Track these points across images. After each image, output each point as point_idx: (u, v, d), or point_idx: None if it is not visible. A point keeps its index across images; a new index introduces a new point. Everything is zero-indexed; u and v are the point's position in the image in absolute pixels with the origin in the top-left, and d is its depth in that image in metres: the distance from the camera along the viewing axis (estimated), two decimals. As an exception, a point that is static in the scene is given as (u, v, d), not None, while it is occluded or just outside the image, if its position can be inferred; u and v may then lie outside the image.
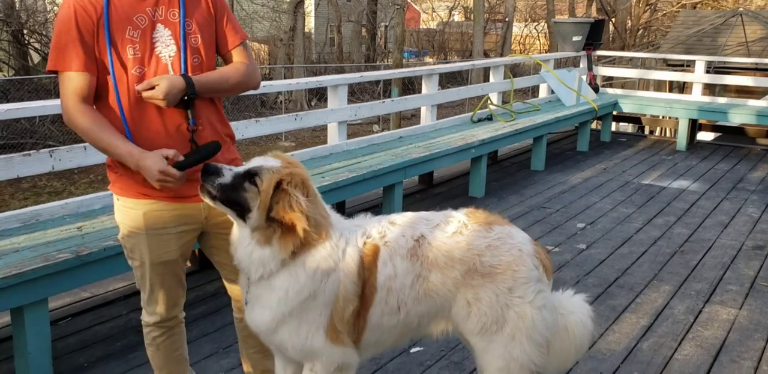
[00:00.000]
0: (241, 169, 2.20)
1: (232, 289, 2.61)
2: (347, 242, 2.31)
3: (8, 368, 3.21)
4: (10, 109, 3.41)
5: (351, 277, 2.28)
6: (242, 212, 2.18)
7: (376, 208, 5.96)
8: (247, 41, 2.48)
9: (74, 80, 2.19)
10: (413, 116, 20.09)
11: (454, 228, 2.41)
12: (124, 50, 2.21)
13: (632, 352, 3.57)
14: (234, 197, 2.16)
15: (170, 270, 2.45)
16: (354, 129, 17.85)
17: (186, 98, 2.23)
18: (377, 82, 22.78)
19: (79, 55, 2.17)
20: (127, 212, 2.37)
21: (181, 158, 2.20)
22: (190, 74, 2.26)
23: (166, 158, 2.16)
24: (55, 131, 15.13)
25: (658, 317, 4.01)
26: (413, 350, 3.48)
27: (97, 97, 2.26)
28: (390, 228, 2.38)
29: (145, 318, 2.54)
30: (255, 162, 2.24)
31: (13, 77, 17.07)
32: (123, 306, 3.98)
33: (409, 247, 2.35)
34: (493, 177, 7.07)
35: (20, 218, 3.49)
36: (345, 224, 2.38)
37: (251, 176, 2.17)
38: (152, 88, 2.17)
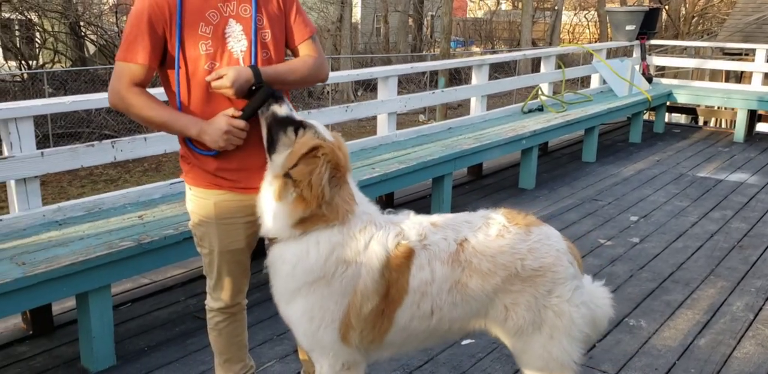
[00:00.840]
0: (298, 116, 2.25)
1: None
2: (372, 237, 2.24)
3: (73, 351, 3.33)
4: (74, 101, 3.52)
5: (372, 274, 2.22)
6: (270, 148, 2.22)
7: (425, 199, 5.96)
8: (316, 35, 2.51)
9: (134, 70, 2.25)
10: (460, 106, 19.97)
11: (496, 231, 2.35)
12: (196, 47, 2.26)
13: (689, 349, 3.51)
14: (273, 130, 2.20)
15: (237, 259, 2.51)
16: (400, 119, 17.81)
17: (254, 88, 2.25)
18: (423, 72, 22.70)
19: (146, 48, 2.22)
20: (199, 201, 2.44)
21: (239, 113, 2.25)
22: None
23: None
24: (110, 121, 15.52)
25: (716, 313, 3.92)
26: (464, 342, 3.49)
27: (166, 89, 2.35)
28: (432, 230, 2.32)
29: (210, 303, 2.62)
30: (313, 122, 2.26)
31: (71, 68, 17.54)
32: (181, 293, 4.08)
33: (451, 251, 2.29)
34: (543, 169, 7.00)
35: (84, 207, 3.60)
36: (378, 218, 2.31)
37: (301, 126, 2.20)
38: (220, 78, 2.21)
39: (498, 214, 2.42)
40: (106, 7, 21.53)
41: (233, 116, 2.26)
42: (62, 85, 16.39)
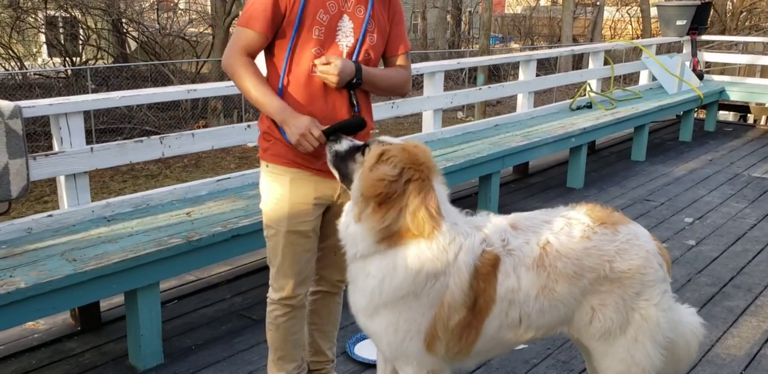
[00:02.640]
0: (359, 142, 2.23)
1: (319, 259, 2.66)
2: (461, 247, 2.12)
3: (121, 348, 3.31)
4: (123, 96, 3.49)
5: (461, 286, 2.12)
6: (346, 182, 2.18)
7: (471, 198, 5.84)
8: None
9: (250, 37, 2.34)
10: (498, 103, 19.73)
11: (581, 233, 2.23)
12: (311, 30, 2.34)
13: (755, 358, 3.34)
14: (342, 166, 2.19)
15: (303, 242, 2.52)
16: (439, 116, 17.64)
17: (352, 82, 2.35)
18: (461, 68, 22.48)
19: (267, 19, 2.31)
20: (276, 178, 2.48)
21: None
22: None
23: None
24: (151, 117, 15.69)
25: (780, 321, 3.74)
26: (518, 347, 3.37)
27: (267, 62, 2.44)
28: (513, 234, 2.21)
29: (271, 295, 2.61)
30: (380, 137, 2.22)
31: (113, 65, 17.78)
32: (226, 290, 4.04)
33: (535, 256, 2.18)
34: (591, 167, 6.81)
35: (132, 203, 3.57)
36: (463, 226, 2.18)
37: (363, 147, 2.16)
38: (328, 64, 2.30)
39: (580, 213, 2.30)
40: (147, 5, 21.80)
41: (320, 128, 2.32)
42: (104, 81, 16.62)
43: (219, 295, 3.98)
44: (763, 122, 11.46)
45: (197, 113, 16.62)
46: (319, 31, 2.35)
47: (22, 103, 3.17)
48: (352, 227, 2.13)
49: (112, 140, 14.62)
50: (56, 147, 3.31)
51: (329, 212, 2.59)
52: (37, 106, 3.21)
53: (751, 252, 4.75)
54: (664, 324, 2.29)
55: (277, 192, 2.48)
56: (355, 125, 2.34)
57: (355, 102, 2.42)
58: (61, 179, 3.34)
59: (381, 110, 5.12)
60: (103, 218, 3.42)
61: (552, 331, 2.35)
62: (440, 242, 2.09)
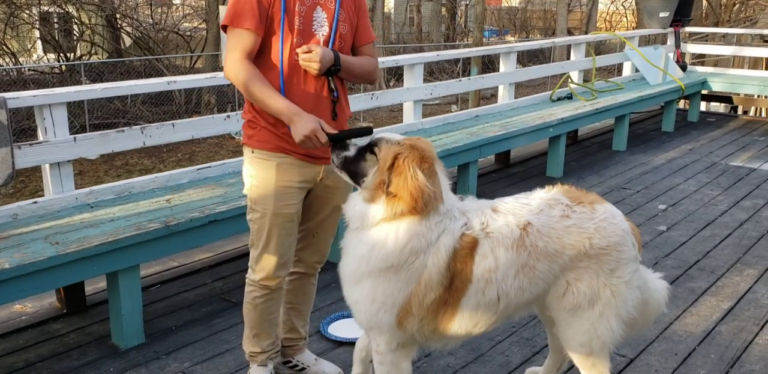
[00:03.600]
0: (364, 143, 2.37)
1: (297, 241, 2.76)
2: (444, 229, 2.27)
3: (104, 329, 3.46)
4: (105, 88, 3.63)
5: (438, 266, 2.26)
6: (358, 179, 2.32)
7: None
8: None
9: (245, 38, 2.43)
10: (492, 96, 19.84)
11: (560, 212, 2.35)
12: (293, 20, 2.47)
13: (710, 335, 3.49)
14: (353, 168, 2.33)
15: (287, 225, 2.62)
16: (432, 109, 17.80)
17: (332, 68, 2.48)
18: (456, 61, 22.57)
19: (255, 16, 2.41)
20: (261, 162, 2.58)
21: (332, 131, 2.41)
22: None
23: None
24: (145, 112, 15.80)
25: (740, 301, 3.89)
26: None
27: (257, 57, 2.51)
28: (493, 217, 2.32)
29: (251, 275, 2.72)
30: (378, 135, 2.38)
31: (107, 60, 17.88)
32: (208, 275, 4.19)
33: (515, 237, 2.29)
34: (572, 157, 6.96)
35: (115, 191, 3.72)
36: (452, 209, 2.32)
37: (371, 147, 2.31)
38: (310, 52, 2.43)
39: (558, 193, 2.42)
40: (140, 0, 21.86)
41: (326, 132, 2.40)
42: (99, 76, 16.71)
43: (200, 280, 4.13)
44: (752, 112, 11.60)
45: (191, 108, 16.74)
46: (299, 22, 2.47)
47: (7, 94, 3.31)
48: (361, 206, 2.31)
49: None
50: (41, 137, 3.45)
51: (311, 194, 2.71)
52: (21, 97, 3.35)
53: (718, 237, 4.90)
54: (630, 302, 2.42)
55: (264, 176, 2.58)
56: (364, 133, 2.45)
57: (333, 87, 2.55)
58: (46, 168, 3.49)
59: (361, 101, 5.26)
60: (86, 204, 3.57)
61: (525, 310, 2.48)
62: (429, 221, 2.25)
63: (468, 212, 2.34)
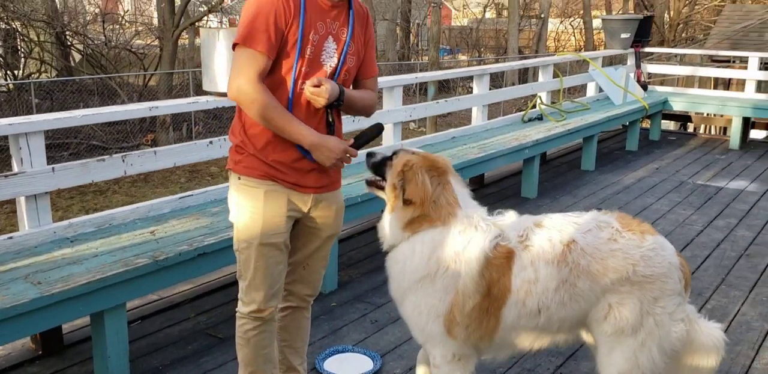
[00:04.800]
0: (388, 152, 2.58)
1: (287, 274, 2.69)
2: (471, 239, 2.38)
3: (86, 370, 3.25)
4: (85, 115, 3.45)
5: (471, 274, 2.36)
6: (383, 181, 2.53)
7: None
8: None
9: (259, 61, 2.32)
10: (449, 114, 19.98)
11: (608, 235, 2.40)
12: (306, 48, 2.39)
13: (710, 360, 3.48)
14: (379, 171, 2.55)
15: (276, 255, 2.52)
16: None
17: (334, 103, 2.42)
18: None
19: (270, 39, 2.32)
20: (249, 190, 2.49)
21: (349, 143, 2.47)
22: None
23: None
24: (98, 131, 15.37)
25: (731, 323, 3.91)
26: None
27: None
28: (535, 231, 2.41)
29: (241, 308, 2.59)
30: (407, 148, 2.61)
31: (57, 78, 17.36)
32: (190, 309, 4.00)
33: (557, 252, 2.36)
34: (543, 177, 6.98)
35: (95, 223, 3.53)
36: (479, 220, 2.43)
37: (392, 155, 2.54)
38: (319, 86, 2.36)
39: (611, 217, 2.49)
40: (90, 17, 21.38)
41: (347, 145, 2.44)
42: (48, 95, 16.22)
43: (183, 314, 3.94)
44: (702, 130, 11.93)
45: (145, 127, 16.35)
46: (310, 51, 2.39)
47: (-20, 123, 3.11)
48: (386, 217, 2.48)
49: (57, 155, 14.27)
50: (16, 168, 3.24)
51: (299, 225, 2.62)
52: (-4, 126, 3.15)
53: (699, 258, 4.94)
54: (673, 334, 2.43)
55: (251, 205, 2.48)
56: (376, 133, 2.52)
57: (331, 120, 2.49)
58: (22, 201, 3.28)
59: (343, 124, 5.15)
60: (66, 238, 3.37)
61: (576, 327, 2.50)
62: (451, 230, 2.40)
63: (504, 225, 2.45)
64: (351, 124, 5.16)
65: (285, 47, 2.36)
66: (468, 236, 2.38)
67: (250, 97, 2.31)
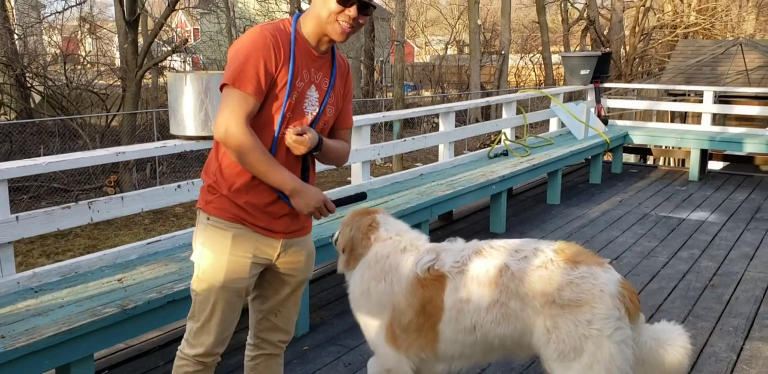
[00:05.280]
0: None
1: (259, 322, 2.68)
2: (400, 263, 2.73)
3: (51, 426, 3.13)
4: (50, 162, 3.40)
5: (403, 292, 2.69)
6: None
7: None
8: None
9: (249, 103, 2.33)
10: (411, 152, 20.14)
11: (540, 262, 2.60)
12: (293, 93, 2.41)
13: (682, 394, 3.50)
14: None
15: (235, 301, 2.49)
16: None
17: (312, 152, 2.46)
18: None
19: (260, 82, 2.33)
20: (217, 231, 2.46)
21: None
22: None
23: None
24: (59, 174, 15.11)
25: (701, 355, 3.96)
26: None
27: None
28: (472, 258, 2.67)
29: (186, 349, 2.54)
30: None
31: (17, 121, 17.11)
32: (159, 357, 3.91)
33: (491, 276, 2.61)
34: (511, 212, 7.06)
35: (60, 272, 3.45)
36: (410, 246, 2.79)
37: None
38: (302, 135, 2.38)
39: (550, 247, 2.67)
40: (50, 58, 21.22)
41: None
42: (7, 137, 15.96)
43: (152, 362, 3.85)
44: (662, 162, 12.23)
45: (108, 168, 16.15)
46: (295, 97, 2.42)
47: (-58, 173, 3.05)
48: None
49: (17, 198, 13.97)
50: (-22, 217, 3.18)
51: (268, 272, 2.59)
52: (-43, 175, 3.09)
53: (666, 290, 5.01)
54: (617, 356, 2.52)
55: (217, 246, 2.45)
56: (357, 199, 2.62)
57: (307, 166, 2.52)
58: (-17, 251, 3.20)
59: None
60: (30, 289, 3.29)
61: (518, 346, 2.69)
62: (372, 256, 2.80)
63: (443, 251, 2.74)
64: (318, 164, 5.17)
65: (273, 90, 2.37)
66: (395, 258, 2.74)
67: (238, 140, 2.30)
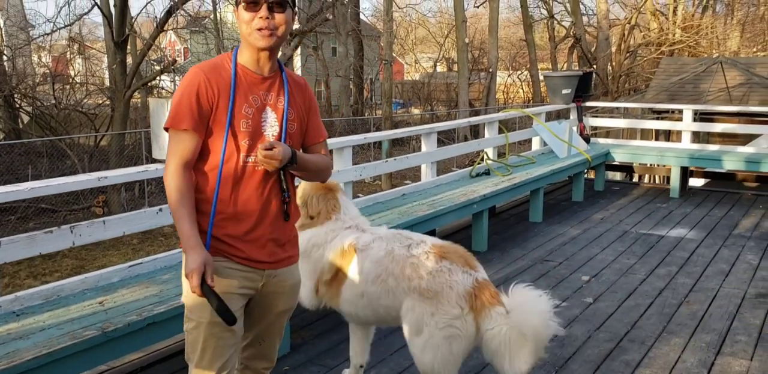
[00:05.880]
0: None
1: (243, 350, 2.68)
2: (337, 236, 3.36)
3: (32, 448, 3.18)
4: (33, 188, 3.48)
5: (331, 259, 3.34)
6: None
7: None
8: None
9: (185, 141, 2.39)
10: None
11: (417, 252, 3.14)
12: (239, 123, 2.44)
13: (653, 410, 3.59)
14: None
15: (226, 336, 2.46)
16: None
17: (287, 166, 2.45)
18: (366, 132, 23.09)
19: (194, 117, 2.39)
20: None
21: (212, 282, 2.33)
22: None
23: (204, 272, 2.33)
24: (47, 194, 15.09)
25: (672, 371, 4.04)
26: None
27: (198, 159, 2.46)
28: (376, 240, 3.29)
29: None
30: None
31: (5, 142, 17.12)
32: (141, 379, 3.97)
33: (380, 256, 3.21)
34: (493, 230, 7.15)
35: (42, 295, 3.51)
36: (350, 223, 3.40)
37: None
38: (271, 149, 2.40)
39: (429, 243, 3.20)
40: (39, 77, 21.28)
41: (211, 275, 2.34)
42: (-5, 157, 15.97)
43: (134, 384, 3.91)
44: (647, 179, 12.38)
45: (96, 188, 16.17)
46: (246, 124, 2.45)
47: (-74, 199, 3.13)
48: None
49: (4, 220, 13.96)
50: (-40, 243, 3.25)
51: (252, 301, 2.57)
52: (-59, 202, 3.16)
53: (642, 306, 5.11)
54: (444, 347, 3.04)
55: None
56: (228, 316, 2.35)
57: (285, 187, 2.51)
58: (-34, 276, 3.27)
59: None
60: (12, 313, 3.35)
61: (398, 318, 3.21)
62: (326, 227, 3.38)
63: (366, 232, 3.37)
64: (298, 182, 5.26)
65: (219, 121, 2.41)
66: (336, 233, 3.35)
67: (167, 181, 2.38)
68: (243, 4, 2.43)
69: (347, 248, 3.28)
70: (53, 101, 19.79)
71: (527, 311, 2.98)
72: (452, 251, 3.14)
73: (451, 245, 3.22)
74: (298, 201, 3.25)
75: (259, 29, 2.41)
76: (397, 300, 3.14)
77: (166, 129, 2.43)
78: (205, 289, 2.30)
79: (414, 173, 18.40)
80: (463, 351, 3.08)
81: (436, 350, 3.05)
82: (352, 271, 3.25)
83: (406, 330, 3.15)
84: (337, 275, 3.30)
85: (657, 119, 13.46)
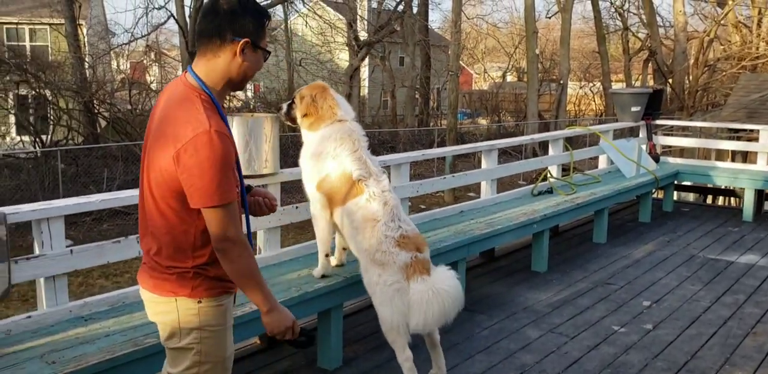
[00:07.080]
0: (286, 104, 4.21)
1: None
2: (341, 155, 3.96)
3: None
4: (103, 200, 3.66)
5: (336, 174, 3.96)
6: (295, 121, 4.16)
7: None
8: None
9: (236, 209, 2.34)
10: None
11: (387, 228, 3.80)
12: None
13: (709, 447, 3.48)
14: (292, 114, 4.16)
15: (230, 365, 2.56)
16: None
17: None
18: (430, 143, 23.14)
19: (237, 185, 2.41)
20: (213, 310, 2.45)
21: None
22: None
23: None
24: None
25: (734, 407, 3.91)
26: None
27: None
28: (387, 194, 3.92)
29: None
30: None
31: (83, 146, 17.92)
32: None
33: (372, 211, 3.85)
34: (555, 250, 7.05)
35: (108, 302, 3.68)
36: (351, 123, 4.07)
37: (292, 101, 4.17)
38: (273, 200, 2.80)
39: (401, 231, 3.83)
40: (118, 83, 22.14)
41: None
42: (74, 160, 16.71)
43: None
44: (721, 202, 11.95)
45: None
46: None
47: (7, 209, 3.33)
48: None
49: (80, 220, 14.56)
50: (37, 250, 3.44)
51: None
52: (20, 212, 3.36)
53: (705, 336, 4.95)
54: (396, 299, 3.71)
55: (218, 324, 2.46)
56: (308, 346, 2.62)
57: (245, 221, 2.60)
58: (41, 281, 3.46)
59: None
60: (81, 317, 3.52)
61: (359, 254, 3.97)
62: (333, 131, 3.98)
63: (372, 178, 3.96)
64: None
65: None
66: (342, 144, 3.96)
67: (240, 246, 2.34)
68: (261, 49, 2.41)
69: (356, 182, 3.88)
70: (129, 107, 20.60)
71: (440, 279, 3.75)
72: (410, 242, 3.80)
73: (414, 236, 3.84)
74: (302, 109, 4.01)
75: None
76: (362, 251, 3.85)
77: (210, 207, 2.27)
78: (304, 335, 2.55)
79: (478, 186, 18.27)
80: (406, 303, 3.71)
81: (390, 301, 3.72)
82: (362, 200, 3.86)
83: (366, 286, 3.88)
84: (351, 191, 3.89)
85: (732, 138, 12.99)
